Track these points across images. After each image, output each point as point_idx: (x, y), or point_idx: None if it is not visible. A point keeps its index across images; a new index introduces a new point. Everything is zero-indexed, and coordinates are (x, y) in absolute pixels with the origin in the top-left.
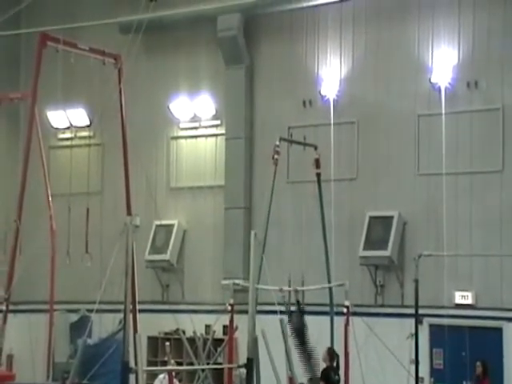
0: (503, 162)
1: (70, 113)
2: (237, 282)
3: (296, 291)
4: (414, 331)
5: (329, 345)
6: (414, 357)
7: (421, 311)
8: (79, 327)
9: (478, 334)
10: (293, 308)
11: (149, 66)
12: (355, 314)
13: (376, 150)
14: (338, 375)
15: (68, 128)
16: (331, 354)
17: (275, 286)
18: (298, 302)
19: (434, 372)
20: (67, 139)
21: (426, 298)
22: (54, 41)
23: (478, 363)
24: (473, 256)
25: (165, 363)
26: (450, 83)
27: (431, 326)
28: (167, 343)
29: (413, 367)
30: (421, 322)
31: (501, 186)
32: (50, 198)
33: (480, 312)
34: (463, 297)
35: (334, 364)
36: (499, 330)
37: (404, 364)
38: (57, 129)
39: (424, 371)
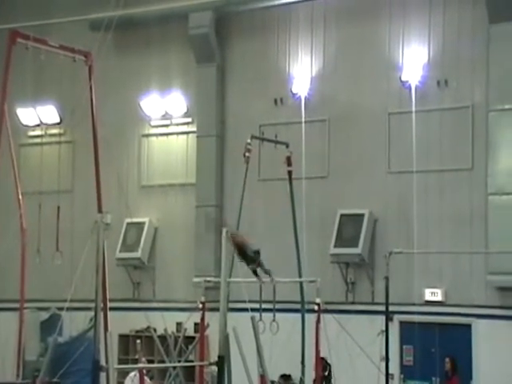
0: (473, 159)
1: (40, 110)
2: (208, 279)
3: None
4: (384, 328)
5: (300, 342)
6: (384, 353)
7: (391, 308)
8: (50, 325)
9: (447, 330)
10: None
11: (119, 64)
12: (326, 311)
13: (347, 147)
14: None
15: (38, 125)
16: (323, 364)
17: (247, 279)
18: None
19: (404, 368)
20: (37, 137)
21: (397, 295)
22: (23, 38)
23: (447, 359)
24: (443, 253)
25: (136, 361)
26: (420, 81)
27: (401, 322)
28: (138, 341)
29: (383, 364)
30: (391, 319)
31: (471, 184)
32: (21, 196)
33: (449, 309)
34: (433, 294)
35: (326, 373)
36: (468, 327)
37: (374, 361)
38: (27, 126)
39: (394, 368)
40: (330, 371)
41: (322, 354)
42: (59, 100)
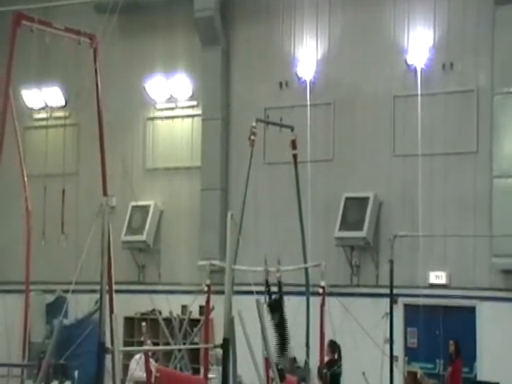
0: (477, 143)
1: (46, 93)
2: (213, 262)
3: (278, 271)
4: (388, 311)
5: (304, 325)
6: (388, 336)
7: (395, 291)
8: (55, 308)
9: (451, 313)
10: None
11: (125, 46)
12: (331, 294)
13: (352, 131)
14: (340, 367)
15: (43, 108)
16: (332, 346)
17: (252, 267)
18: (279, 283)
19: (408, 351)
20: (42, 119)
21: (401, 278)
22: (28, 20)
23: (451, 342)
24: (447, 236)
25: (141, 343)
26: (425, 65)
27: (406, 305)
28: (143, 324)
29: (387, 346)
30: (395, 302)
31: (475, 167)
32: (26, 179)
33: (454, 291)
34: (437, 277)
35: (336, 356)
36: (472, 310)
37: (379, 343)
38: (32, 109)
39: (398, 350)
40: (339, 354)
41: (326, 337)
42: (64, 83)
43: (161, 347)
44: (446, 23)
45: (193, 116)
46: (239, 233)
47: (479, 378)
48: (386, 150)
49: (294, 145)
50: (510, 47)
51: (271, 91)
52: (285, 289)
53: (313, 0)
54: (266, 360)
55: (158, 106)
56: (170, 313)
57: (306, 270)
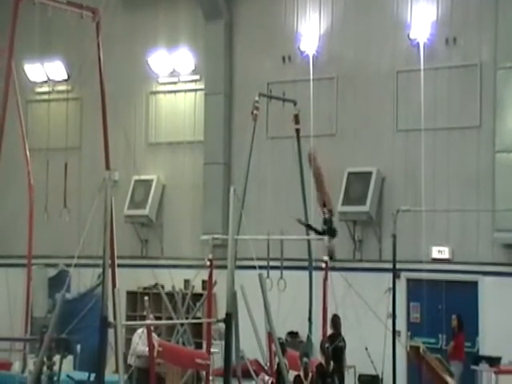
0: (481, 117)
1: (48, 66)
2: (216, 236)
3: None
4: (391, 286)
5: (307, 299)
6: (391, 311)
7: (398, 266)
8: (58, 282)
9: (454, 287)
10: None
11: (127, 20)
12: (334, 269)
13: (355, 105)
14: (344, 341)
15: (46, 82)
16: (334, 320)
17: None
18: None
19: (410, 326)
20: (45, 93)
21: (404, 252)
22: None
23: (454, 317)
24: (450, 211)
25: (144, 318)
26: (428, 39)
27: (408, 280)
28: (146, 298)
29: (390, 321)
30: (398, 277)
31: (478, 142)
32: (28, 153)
33: (456, 266)
34: (440, 251)
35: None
36: (475, 284)
37: (381, 318)
38: (34, 82)
39: (401, 325)
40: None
41: (329, 312)
42: (66, 56)
43: (163, 321)
44: None
45: (195, 90)
46: (242, 207)
47: (481, 352)
48: (389, 124)
49: (296, 119)
50: None
51: (274, 65)
52: (287, 263)
53: None
54: (269, 334)
55: (160, 80)
56: (173, 287)
57: (309, 244)
